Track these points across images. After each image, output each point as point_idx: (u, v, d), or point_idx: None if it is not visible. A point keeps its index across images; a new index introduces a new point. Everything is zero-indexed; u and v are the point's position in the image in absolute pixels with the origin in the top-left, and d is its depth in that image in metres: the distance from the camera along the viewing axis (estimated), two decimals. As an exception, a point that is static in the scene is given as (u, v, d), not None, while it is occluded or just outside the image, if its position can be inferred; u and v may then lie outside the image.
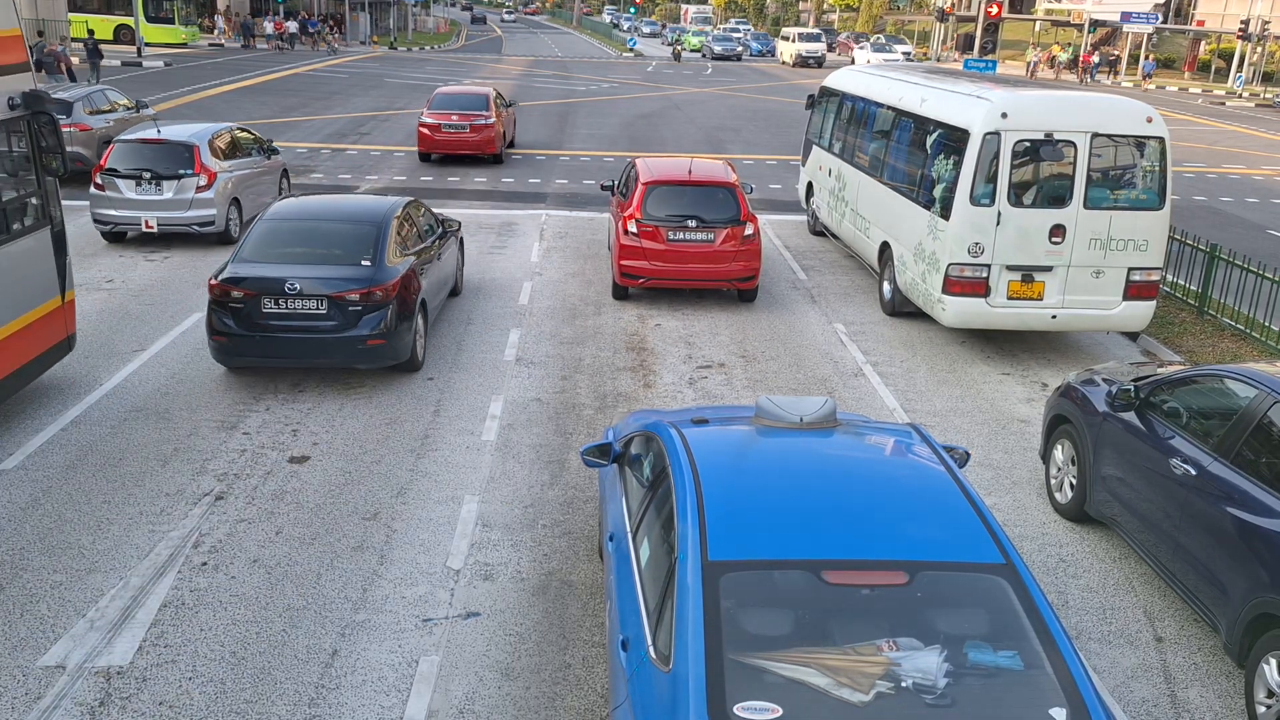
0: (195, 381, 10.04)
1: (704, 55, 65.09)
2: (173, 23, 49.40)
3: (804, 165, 17.70)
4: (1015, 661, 4.08)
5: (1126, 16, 55.18)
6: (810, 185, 17.19)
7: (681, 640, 4.08)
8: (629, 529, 5.51)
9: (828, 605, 4.26)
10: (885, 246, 12.95)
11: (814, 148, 16.94)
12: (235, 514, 7.64)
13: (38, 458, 8.39)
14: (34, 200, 9.17)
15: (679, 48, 63.18)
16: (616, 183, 14.69)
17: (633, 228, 12.50)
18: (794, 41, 61.01)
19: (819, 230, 17.03)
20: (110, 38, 46.17)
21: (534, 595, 6.79)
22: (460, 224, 13.17)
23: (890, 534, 4.58)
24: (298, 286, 9.52)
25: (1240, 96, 50.44)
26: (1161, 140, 10.76)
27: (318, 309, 9.58)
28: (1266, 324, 11.90)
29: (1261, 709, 5.67)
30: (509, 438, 9.11)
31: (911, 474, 5.23)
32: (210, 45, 53.15)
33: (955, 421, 9.84)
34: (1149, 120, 10.73)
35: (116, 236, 14.89)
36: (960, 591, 4.36)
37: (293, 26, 55.22)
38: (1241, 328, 12.25)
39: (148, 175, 14.30)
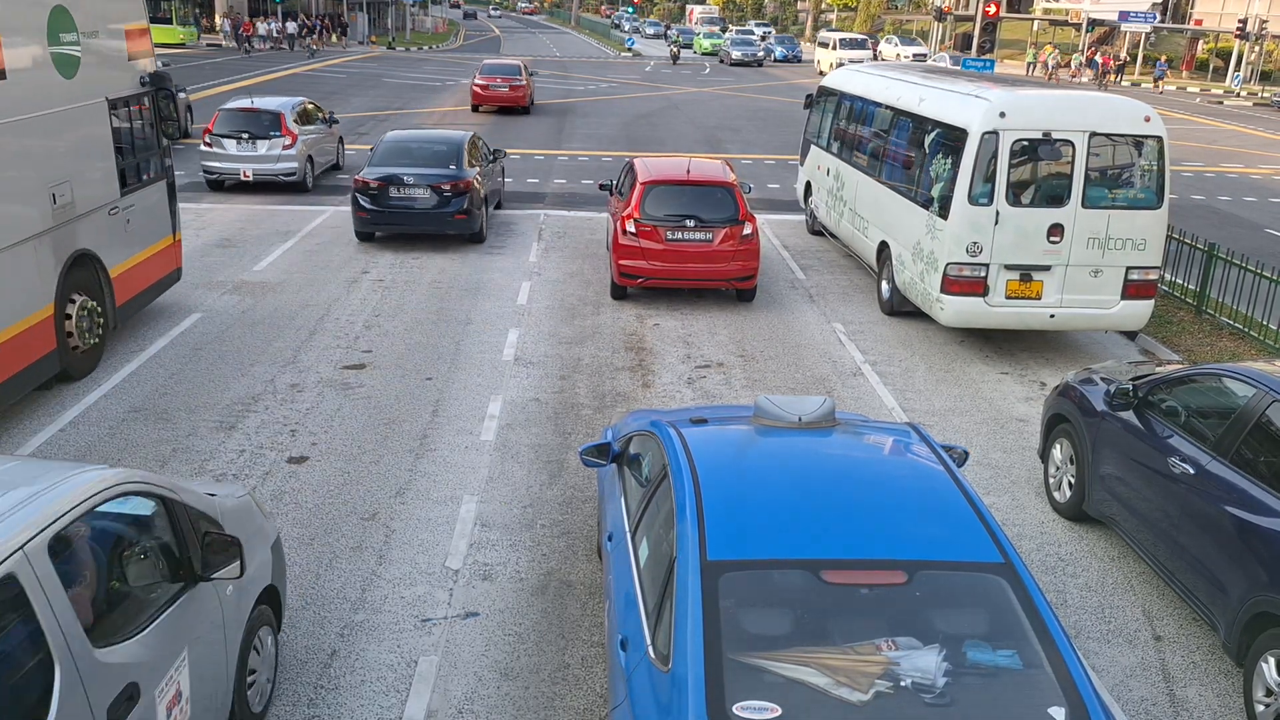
0: (194, 382, 10.04)
1: (721, 61, 60.25)
2: (170, 23, 49.33)
3: (802, 165, 17.70)
4: (1014, 661, 4.08)
5: (1124, 16, 55.24)
6: (808, 185, 17.20)
7: (680, 640, 4.08)
8: (628, 529, 5.51)
9: (827, 605, 4.26)
10: (884, 246, 12.95)
11: (812, 147, 16.95)
12: (234, 514, 7.63)
13: (36, 458, 8.37)
14: (156, 158, 11.68)
15: (676, 49, 60.00)
16: (615, 182, 14.70)
17: (631, 227, 12.50)
18: (834, 49, 52.63)
19: (817, 230, 17.04)
20: None
21: (533, 595, 6.79)
22: (506, 153, 18.56)
23: (889, 533, 4.58)
24: (410, 180, 14.73)
25: (1238, 96, 50.50)
26: (1159, 139, 10.77)
27: (424, 195, 14.80)
28: (1265, 323, 11.92)
29: (1260, 707, 5.67)
30: (508, 438, 9.11)
31: (910, 473, 5.24)
32: (209, 45, 53.11)
33: (954, 421, 9.84)
34: (1147, 119, 10.74)
35: (217, 185, 18.61)
36: (959, 591, 4.36)
37: (291, 27, 54.65)
38: (1240, 327, 12.26)
39: (245, 136, 18.20)
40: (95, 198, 10.13)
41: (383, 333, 11.64)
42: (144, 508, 4.52)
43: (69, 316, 9.54)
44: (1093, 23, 59.00)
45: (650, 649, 4.36)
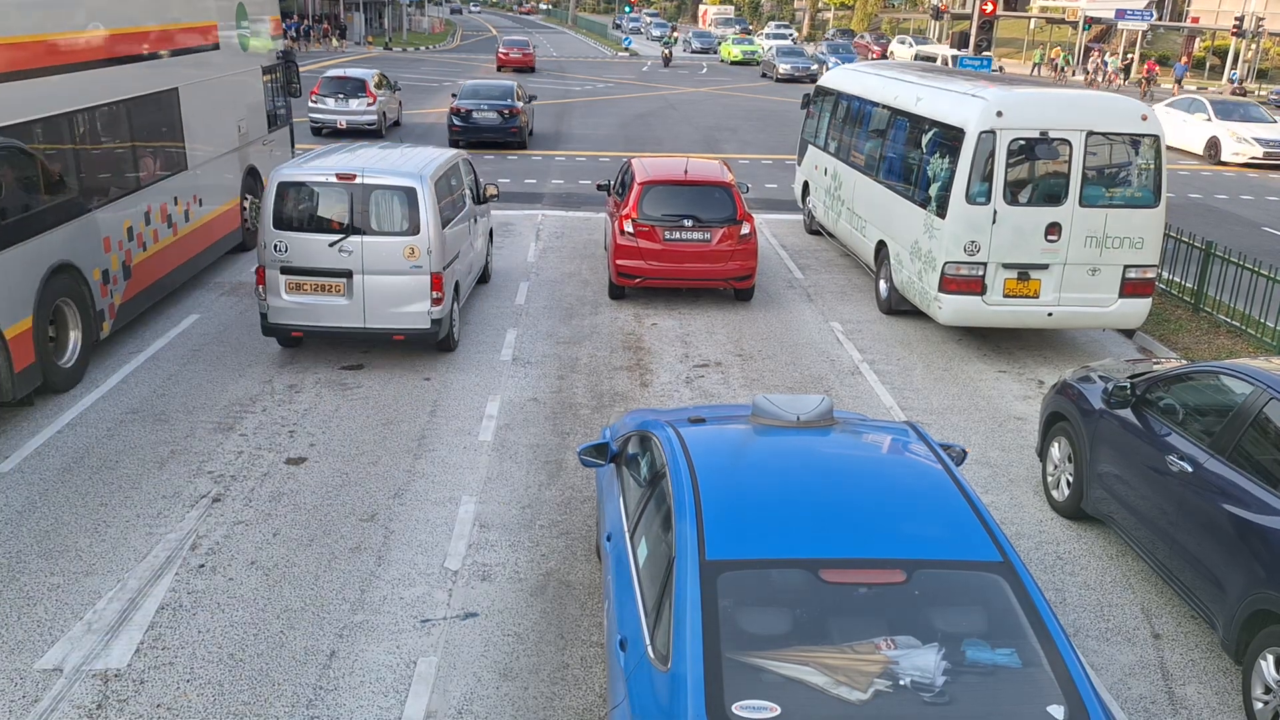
0: (192, 383, 10.03)
1: (765, 75, 48.95)
2: None
3: (800, 164, 17.71)
4: (1013, 659, 4.08)
5: (1121, 14, 55.26)
6: (806, 184, 17.20)
7: (679, 639, 4.08)
8: (626, 529, 5.51)
9: (825, 604, 4.26)
10: (881, 245, 12.96)
11: (810, 147, 16.95)
12: (232, 516, 7.63)
13: (34, 460, 8.38)
14: (285, 109, 16.34)
15: (668, 50, 55.55)
16: (613, 183, 14.69)
17: (629, 227, 12.50)
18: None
19: (815, 229, 17.04)
20: None
21: (532, 595, 6.79)
22: (535, 96, 29.40)
23: (888, 532, 4.58)
24: (485, 108, 24.30)
25: (1235, 94, 50.50)
26: (1156, 138, 10.78)
27: (493, 116, 24.24)
28: (1262, 320, 11.93)
29: (1259, 705, 5.68)
30: (506, 438, 9.11)
31: (909, 472, 5.24)
32: None
33: (952, 419, 9.85)
34: (1144, 118, 10.75)
35: (317, 131, 25.36)
36: (958, 589, 4.37)
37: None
38: (1237, 324, 12.27)
39: (340, 95, 25.46)
40: (255, 132, 14.82)
41: (381, 333, 11.62)
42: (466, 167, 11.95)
43: (244, 209, 14.35)
44: (1089, 21, 59.02)
45: (649, 649, 4.37)
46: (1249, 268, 12.09)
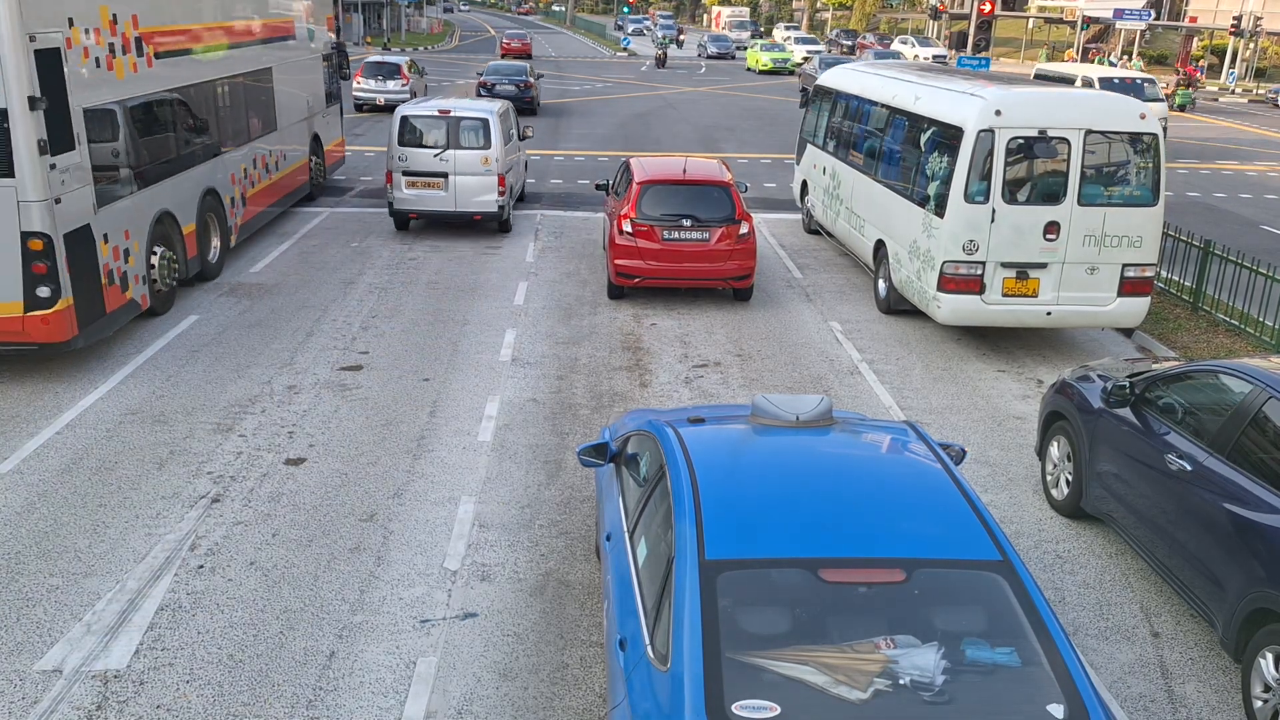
0: (191, 384, 10.03)
1: (804, 89, 35.86)
2: None
3: (798, 163, 17.71)
4: (1012, 658, 4.08)
5: (1119, 13, 55.32)
6: (805, 183, 17.21)
7: (679, 639, 4.08)
8: (626, 529, 5.51)
9: (825, 603, 4.26)
10: (880, 244, 12.96)
11: (808, 146, 16.96)
12: (232, 516, 7.63)
13: (33, 461, 8.37)
14: (337, 90, 19.68)
15: (662, 51, 54.06)
16: (611, 182, 14.70)
17: (628, 227, 12.50)
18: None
19: (814, 229, 17.05)
20: None
21: (531, 595, 6.79)
22: (543, 75, 38.06)
23: (887, 532, 4.58)
24: (506, 82, 31.64)
25: (1233, 92, 50.54)
26: (1155, 136, 10.78)
27: (512, 88, 31.36)
28: (1261, 319, 11.94)
29: (1258, 703, 5.68)
30: (505, 438, 9.11)
31: (908, 472, 5.24)
32: None
33: (951, 419, 9.85)
34: (1142, 117, 10.75)
35: (359, 108, 30.72)
36: (957, 589, 4.37)
37: None
38: (1236, 323, 12.28)
39: (380, 77, 30.55)
40: (317, 107, 18.17)
41: (380, 334, 11.63)
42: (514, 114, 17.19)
43: (311, 167, 17.87)
44: (1087, 20, 59.07)
45: (649, 649, 4.37)
46: (1248, 266, 12.10)
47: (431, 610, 6.60)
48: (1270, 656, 5.60)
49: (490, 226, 16.79)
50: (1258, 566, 5.78)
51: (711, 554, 4.36)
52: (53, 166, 9.29)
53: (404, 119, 15.35)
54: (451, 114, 15.36)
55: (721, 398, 10.17)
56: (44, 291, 9.34)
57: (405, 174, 15.33)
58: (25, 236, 9.21)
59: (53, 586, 6.70)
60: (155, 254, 11.54)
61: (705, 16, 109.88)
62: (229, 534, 7.39)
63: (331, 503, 7.89)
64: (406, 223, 16.37)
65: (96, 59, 10.17)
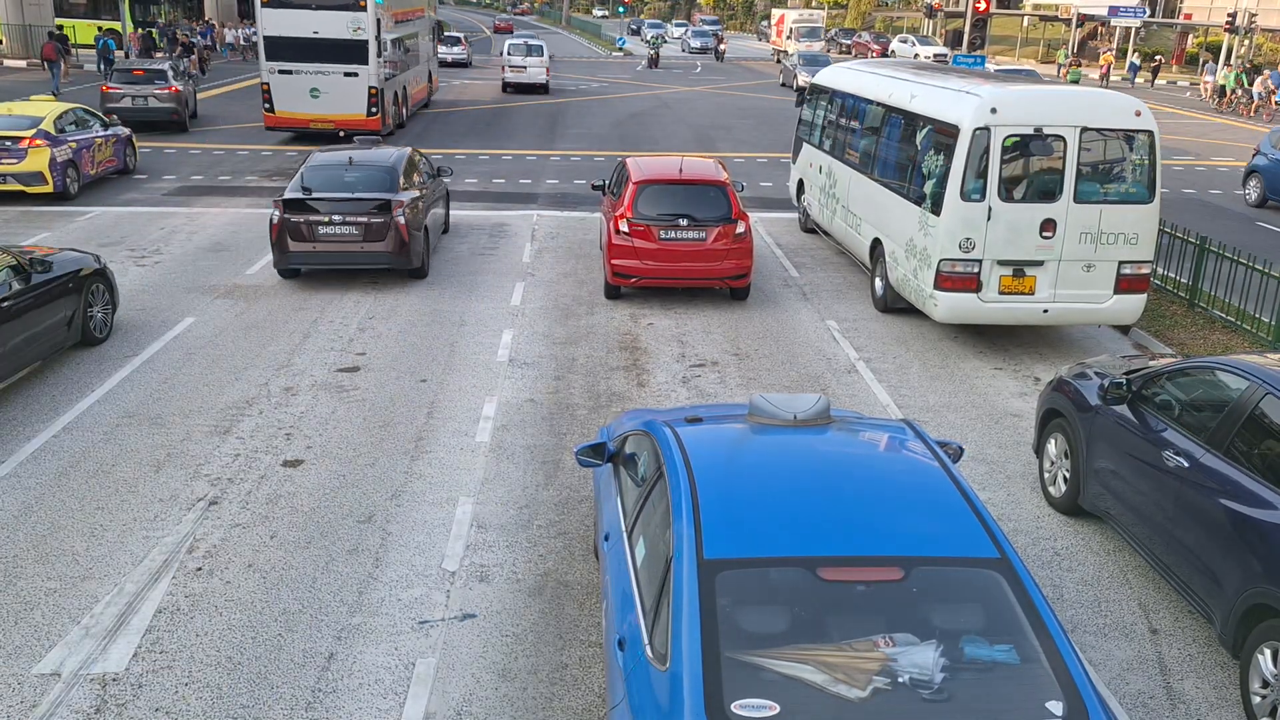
0: (188, 386, 10.02)
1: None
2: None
3: (795, 162, 17.71)
4: (1011, 655, 4.09)
5: (1114, 10, 55.31)
6: (801, 182, 17.21)
7: (678, 639, 4.08)
8: (624, 528, 5.51)
9: (824, 602, 4.27)
10: (877, 243, 12.96)
11: (804, 145, 16.96)
12: (229, 519, 7.62)
13: (30, 464, 8.36)
14: (435, 50, 34.91)
15: (655, 51, 52.50)
16: (607, 182, 14.69)
17: (624, 227, 12.50)
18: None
19: (810, 227, 17.05)
20: (93, 43, 45.69)
21: (530, 596, 6.79)
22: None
23: (885, 530, 4.58)
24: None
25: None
26: (1150, 134, 10.79)
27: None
28: (1257, 316, 11.95)
29: (1256, 699, 5.69)
30: (503, 439, 9.11)
31: (906, 470, 5.24)
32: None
33: (948, 417, 9.86)
34: (1138, 114, 10.76)
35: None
36: (956, 586, 4.37)
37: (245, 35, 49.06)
38: (1232, 320, 12.29)
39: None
40: (429, 56, 32.04)
41: (376, 335, 11.62)
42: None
43: (429, 91, 32.29)
44: (1082, 18, 59.09)
45: (648, 648, 4.37)
46: (1244, 263, 12.11)
47: (430, 611, 6.60)
48: (1268, 652, 5.61)
49: (486, 222, 16.76)
50: (1255, 563, 5.79)
51: (710, 553, 4.37)
52: (379, 63, 23.81)
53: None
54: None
55: (719, 397, 10.17)
56: (374, 110, 23.83)
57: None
58: (369, 89, 23.68)
59: (50, 590, 6.69)
60: (404, 102, 27.11)
61: (696, 15, 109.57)
62: (227, 536, 7.39)
63: (329, 504, 7.88)
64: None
65: (379, 19, 23.78)
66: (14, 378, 9.81)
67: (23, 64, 39.92)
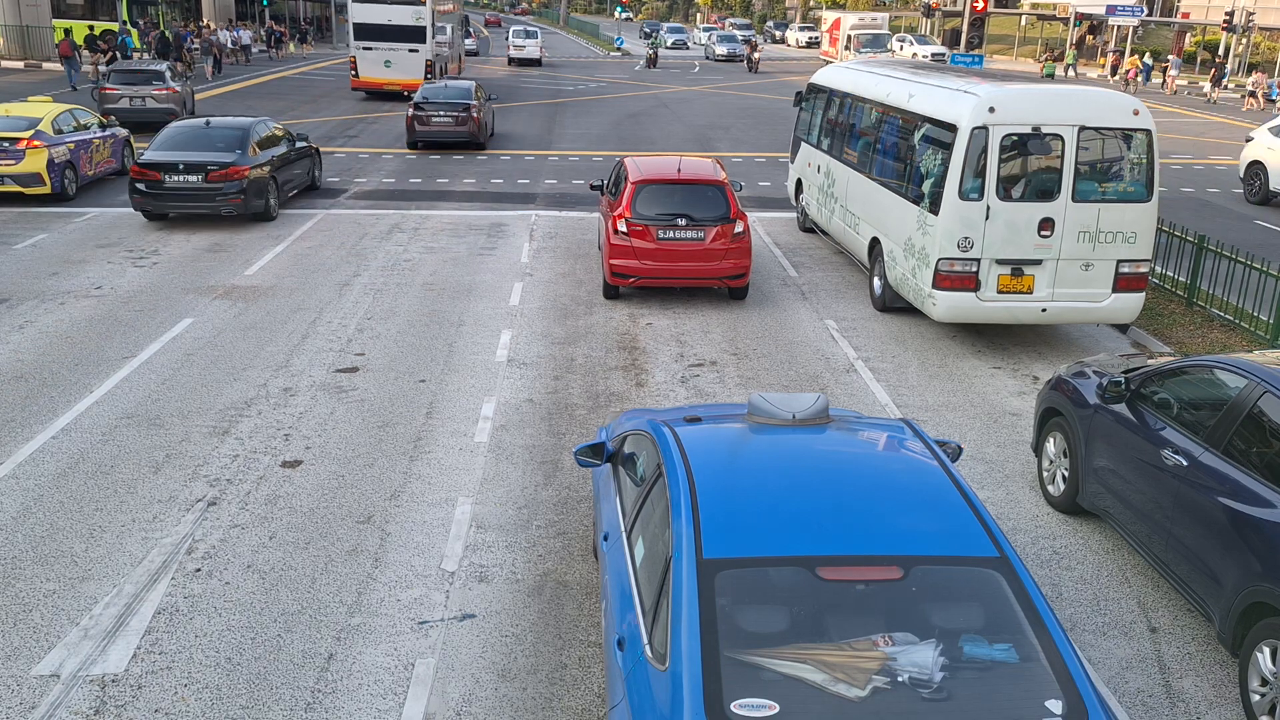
0: (186, 387, 10.01)
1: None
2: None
3: (793, 162, 17.71)
4: (1010, 654, 4.09)
5: (1112, 9, 55.35)
6: (799, 182, 17.21)
7: (677, 638, 4.08)
8: (623, 528, 5.51)
9: (823, 601, 4.27)
10: (875, 242, 12.97)
11: (803, 144, 16.96)
12: (228, 519, 7.62)
13: (29, 465, 8.36)
14: (464, 36, 49.41)
15: (653, 51, 52.44)
16: (605, 182, 14.69)
17: (623, 227, 12.50)
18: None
19: (809, 227, 17.05)
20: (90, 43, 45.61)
21: (529, 596, 6.79)
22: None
23: (884, 529, 4.59)
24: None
25: (1226, 88, 50.59)
26: (1148, 132, 10.80)
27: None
28: (1255, 314, 11.96)
29: (1255, 697, 5.69)
30: (502, 439, 9.11)
31: (905, 469, 5.24)
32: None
33: (947, 416, 9.86)
34: (1135, 113, 10.77)
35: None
36: (955, 585, 4.37)
37: (246, 36, 48.56)
38: (1230, 318, 12.30)
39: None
40: (459, 42, 43.40)
41: (375, 335, 11.62)
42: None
43: (460, 64, 42.87)
44: (1080, 17, 59.12)
45: (647, 648, 4.37)
46: (1242, 261, 12.12)
47: (429, 612, 6.59)
48: (1267, 651, 5.62)
49: (484, 222, 16.76)
50: (1254, 561, 5.79)
51: (709, 553, 4.37)
52: (434, 42, 34.44)
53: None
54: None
55: (718, 397, 10.17)
56: (429, 76, 33.21)
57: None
58: (425, 60, 34.22)
59: (49, 591, 6.69)
60: (444, 74, 35.28)
61: (699, 16, 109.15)
62: (226, 537, 7.38)
63: (328, 505, 7.88)
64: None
65: (433, 11, 34.57)
66: (291, 194, 18.15)
67: (20, 65, 39.89)
